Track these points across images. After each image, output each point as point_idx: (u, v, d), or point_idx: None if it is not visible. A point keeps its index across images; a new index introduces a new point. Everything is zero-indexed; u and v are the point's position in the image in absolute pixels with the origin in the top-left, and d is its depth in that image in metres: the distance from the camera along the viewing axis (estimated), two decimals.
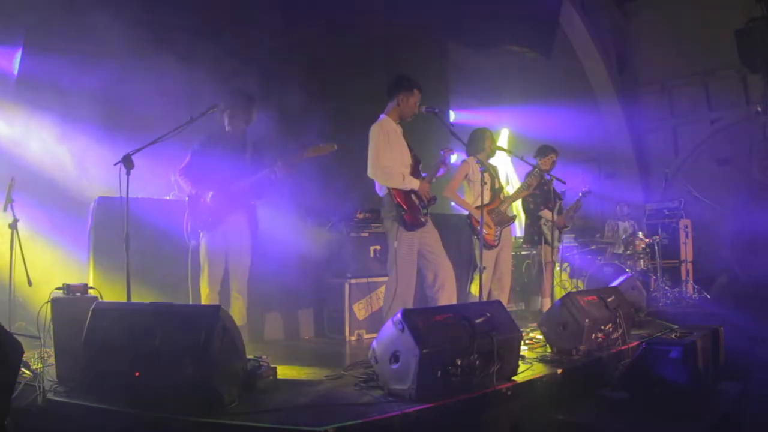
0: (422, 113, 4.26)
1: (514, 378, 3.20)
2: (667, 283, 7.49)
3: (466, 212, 5.06)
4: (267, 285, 4.71)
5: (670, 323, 5.19)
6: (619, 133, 11.15)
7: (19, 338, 2.42)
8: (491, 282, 5.04)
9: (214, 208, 4.12)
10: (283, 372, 3.35)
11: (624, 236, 8.22)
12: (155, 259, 4.28)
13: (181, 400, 2.55)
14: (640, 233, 8.09)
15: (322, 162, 5.11)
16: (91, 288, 3.28)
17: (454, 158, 5.02)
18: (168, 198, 4.87)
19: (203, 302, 4.12)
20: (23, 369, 2.84)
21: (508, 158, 10.19)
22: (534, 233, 5.93)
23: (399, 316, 2.81)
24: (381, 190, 4.22)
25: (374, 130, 4.14)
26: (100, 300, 3.17)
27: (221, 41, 5.45)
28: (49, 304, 3.06)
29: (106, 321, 2.81)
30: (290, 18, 6.23)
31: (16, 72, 4.87)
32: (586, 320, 3.78)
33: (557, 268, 6.59)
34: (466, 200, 5.01)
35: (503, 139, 10.30)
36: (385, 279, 4.34)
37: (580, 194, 6.38)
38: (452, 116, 9.13)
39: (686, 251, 8.18)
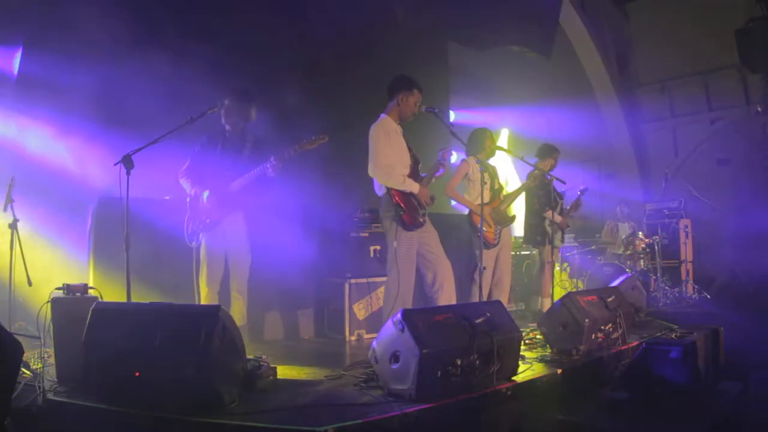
0: (422, 113, 4.27)
1: (514, 378, 3.21)
2: (667, 283, 7.49)
3: (466, 212, 5.07)
4: (267, 285, 4.71)
5: (670, 323, 5.19)
6: (619, 133, 11.15)
7: (19, 338, 2.42)
8: (491, 282, 5.04)
9: (211, 209, 4.13)
10: (283, 372, 3.35)
11: (624, 236, 8.22)
12: (155, 259, 4.29)
13: (181, 400, 2.54)
14: (640, 233, 8.09)
15: (322, 162, 5.13)
16: (91, 288, 3.28)
17: (454, 158, 5.02)
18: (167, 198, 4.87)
19: (202, 301, 4.14)
20: (23, 369, 2.85)
21: (509, 158, 10.20)
22: (537, 233, 5.93)
23: (399, 316, 2.81)
24: (380, 190, 4.21)
25: (375, 129, 4.14)
26: (100, 300, 3.17)
27: (221, 41, 5.44)
28: (49, 304, 3.06)
29: (106, 321, 2.81)
30: (290, 18, 6.23)
31: (16, 72, 4.86)
32: (586, 320, 3.78)
33: (557, 268, 6.60)
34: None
35: (503, 139, 10.30)
36: (385, 279, 4.34)
37: (579, 193, 6.40)
38: (452, 116, 9.12)
39: (686, 251, 8.18)
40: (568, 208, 6.29)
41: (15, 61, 4.88)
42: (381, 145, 4.08)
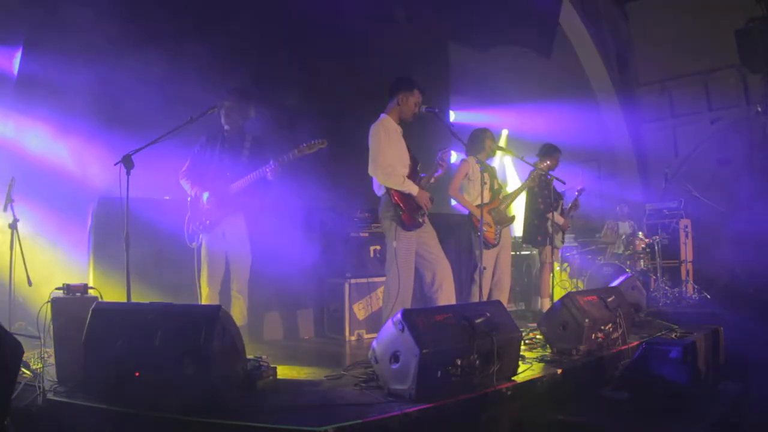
0: (422, 113, 4.27)
1: (514, 378, 3.21)
2: (667, 283, 7.49)
3: (467, 212, 5.07)
4: (267, 285, 4.71)
5: (670, 323, 5.18)
6: (619, 133, 11.15)
7: (19, 338, 2.42)
8: (491, 282, 5.04)
9: (210, 210, 4.14)
10: (283, 372, 3.36)
11: (624, 236, 8.23)
12: (155, 259, 4.29)
13: (181, 401, 2.54)
14: (640, 233, 8.10)
15: (322, 162, 5.12)
16: (91, 288, 3.27)
17: (454, 158, 5.02)
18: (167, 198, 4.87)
19: (204, 301, 4.15)
20: (23, 369, 2.85)
21: (509, 158, 10.21)
22: (539, 233, 5.92)
23: (399, 316, 2.81)
24: (379, 190, 4.21)
25: (375, 129, 4.14)
26: (100, 300, 3.16)
27: (221, 41, 5.45)
28: (49, 304, 3.06)
29: (106, 321, 2.81)
30: (289, 18, 6.23)
31: (16, 72, 4.86)
32: (586, 320, 3.78)
33: (557, 268, 6.60)
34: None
35: (503, 139, 10.30)
36: (384, 279, 4.34)
37: (576, 193, 6.41)
38: (452, 116, 9.12)
39: (686, 251, 8.18)
40: (567, 208, 6.30)
41: (15, 61, 4.88)
42: (382, 144, 4.08)
